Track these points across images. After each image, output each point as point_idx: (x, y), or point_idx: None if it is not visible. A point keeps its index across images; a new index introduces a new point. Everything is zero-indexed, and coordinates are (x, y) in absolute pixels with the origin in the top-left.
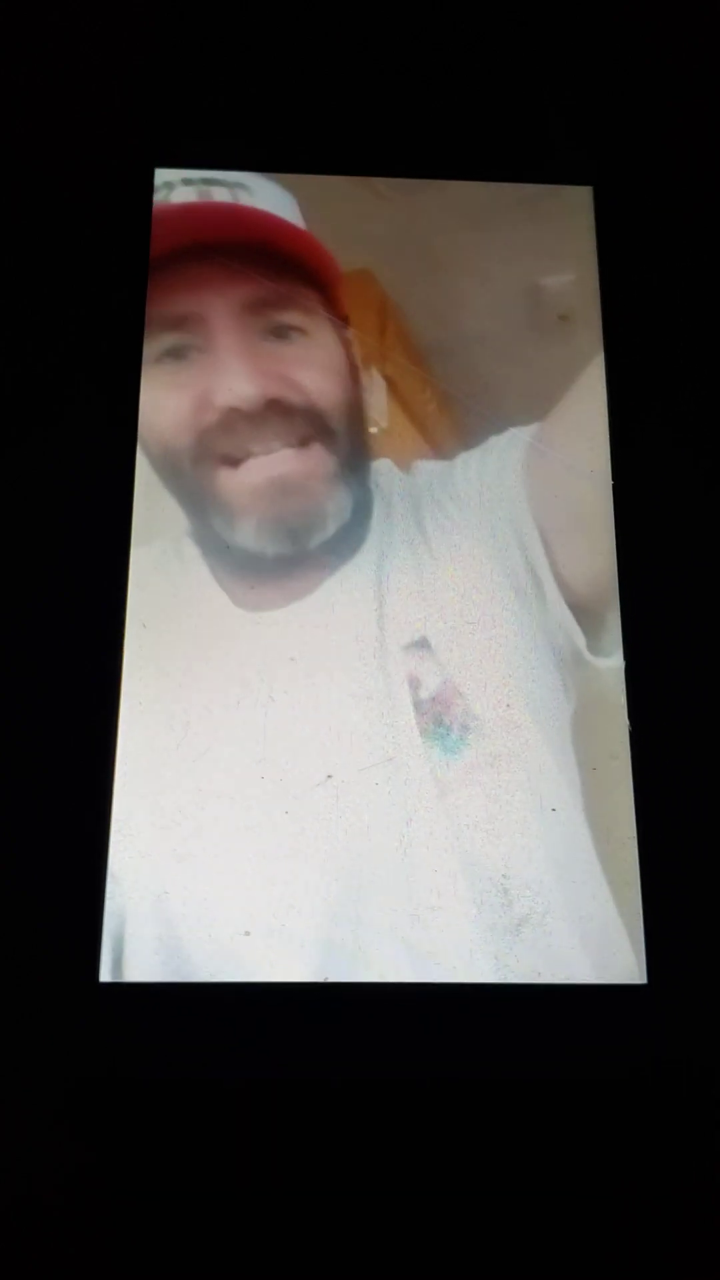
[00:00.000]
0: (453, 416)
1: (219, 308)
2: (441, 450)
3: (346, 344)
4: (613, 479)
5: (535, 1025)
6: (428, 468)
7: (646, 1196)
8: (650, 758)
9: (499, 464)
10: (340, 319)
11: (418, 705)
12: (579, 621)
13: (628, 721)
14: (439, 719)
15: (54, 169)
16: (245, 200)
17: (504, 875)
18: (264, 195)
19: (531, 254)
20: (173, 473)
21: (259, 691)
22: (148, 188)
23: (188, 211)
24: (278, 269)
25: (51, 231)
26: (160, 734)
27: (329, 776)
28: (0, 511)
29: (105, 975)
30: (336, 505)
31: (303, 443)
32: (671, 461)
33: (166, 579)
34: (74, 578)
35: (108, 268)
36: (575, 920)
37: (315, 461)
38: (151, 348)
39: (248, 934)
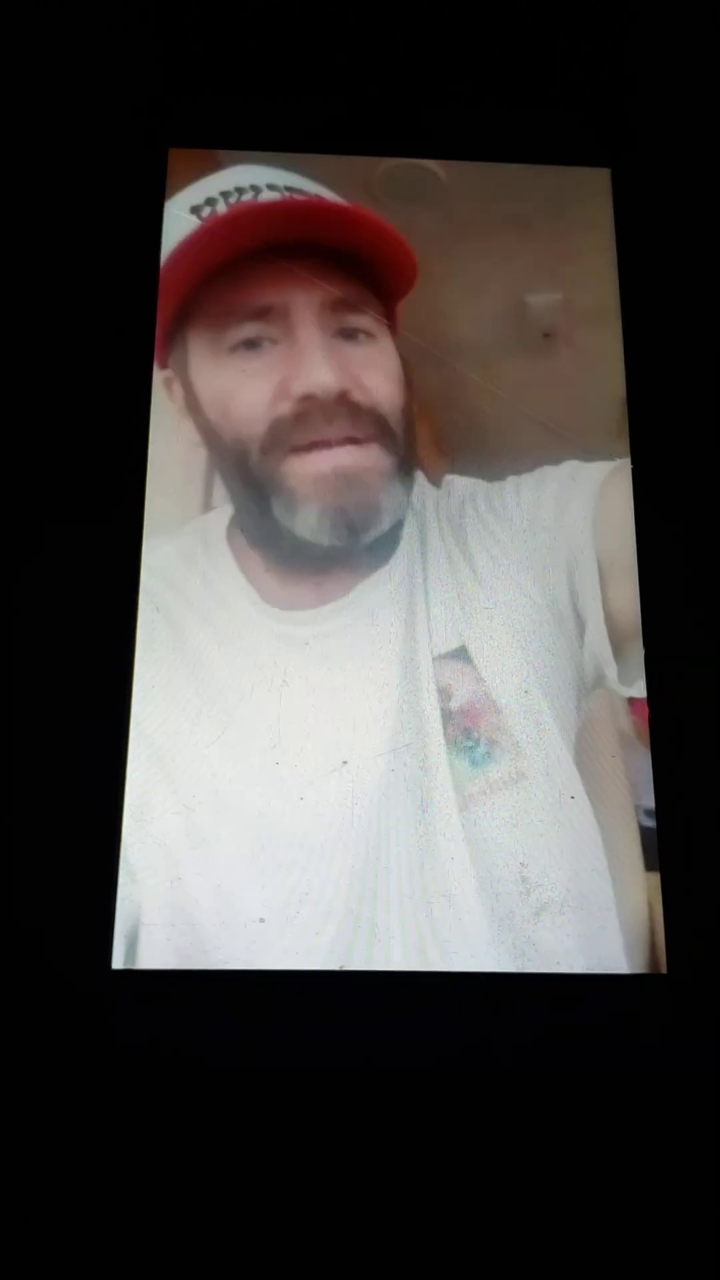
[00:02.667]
0: (432, 428)
1: (301, 302)
2: (473, 468)
3: (402, 359)
4: (634, 493)
5: (554, 1015)
6: (462, 484)
7: (665, 1187)
8: (670, 746)
9: (557, 495)
10: (394, 332)
11: (446, 715)
12: (615, 654)
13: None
14: (468, 732)
15: (60, 145)
16: None
17: (522, 864)
18: None
19: (543, 250)
20: (238, 460)
21: (273, 676)
22: (161, 167)
23: (290, 206)
24: (362, 272)
25: (59, 211)
26: (173, 719)
27: (345, 762)
28: (8, 491)
29: (117, 963)
30: (391, 502)
31: (365, 440)
32: (696, 477)
33: (189, 565)
34: (86, 561)
35: (119, 253)
36: (595, 909)
37: (375, 458)
38: (229, 336)
39: (262, 921)
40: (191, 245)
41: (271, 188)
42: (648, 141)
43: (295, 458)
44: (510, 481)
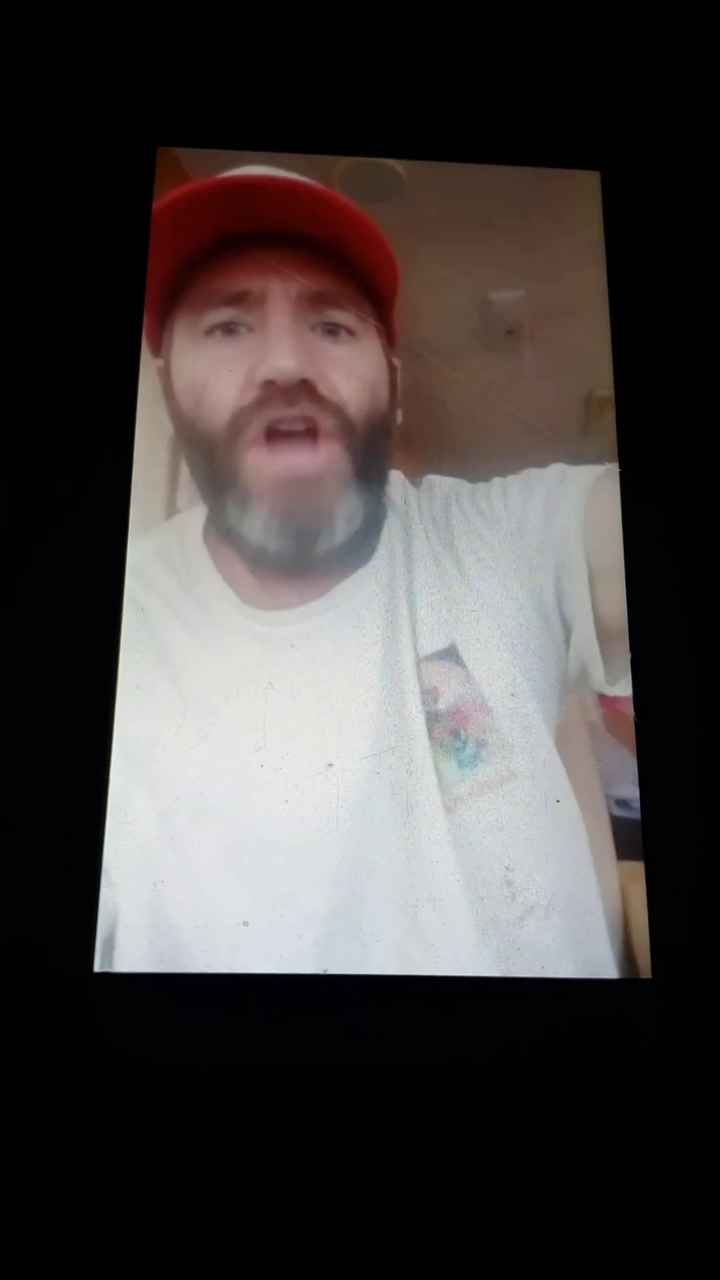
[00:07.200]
0: (412, 426)
1: (278, 290)
2: (455, 468)
3: (393, 370)
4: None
5: (538, 1020)
6: (444, 484)
7: (650, 1191)
8: (656, 751)
9: (546, 498)
10: (391, 342)
11: (433, 716)
12: (602, 655)
13: (633, 711)
14: (456, 733)
15: (59, 143)
16: None
17: (507, 868)
18: None
19: (534, 248)
20: (206, 454)
21: (258, 678)
22: (149, 167)
23: (278, 190)
24: (344, 269)
25: (55, 208)
26: (157, 720)
27: (330, 765)
28: None
29: (99, 965)
30: (347, 510)
31: (325, 435)
32: (684, 478)
33: (167, 566)
34: (70, 560)
35: (112, 250)
36: (580, 914)
37: (332, 461)
38: (206, 320)
39: (246, 924)
40: (179, 223)
41: None
42: (642, 143)
43: (254, 450)
44: (496, 483)
